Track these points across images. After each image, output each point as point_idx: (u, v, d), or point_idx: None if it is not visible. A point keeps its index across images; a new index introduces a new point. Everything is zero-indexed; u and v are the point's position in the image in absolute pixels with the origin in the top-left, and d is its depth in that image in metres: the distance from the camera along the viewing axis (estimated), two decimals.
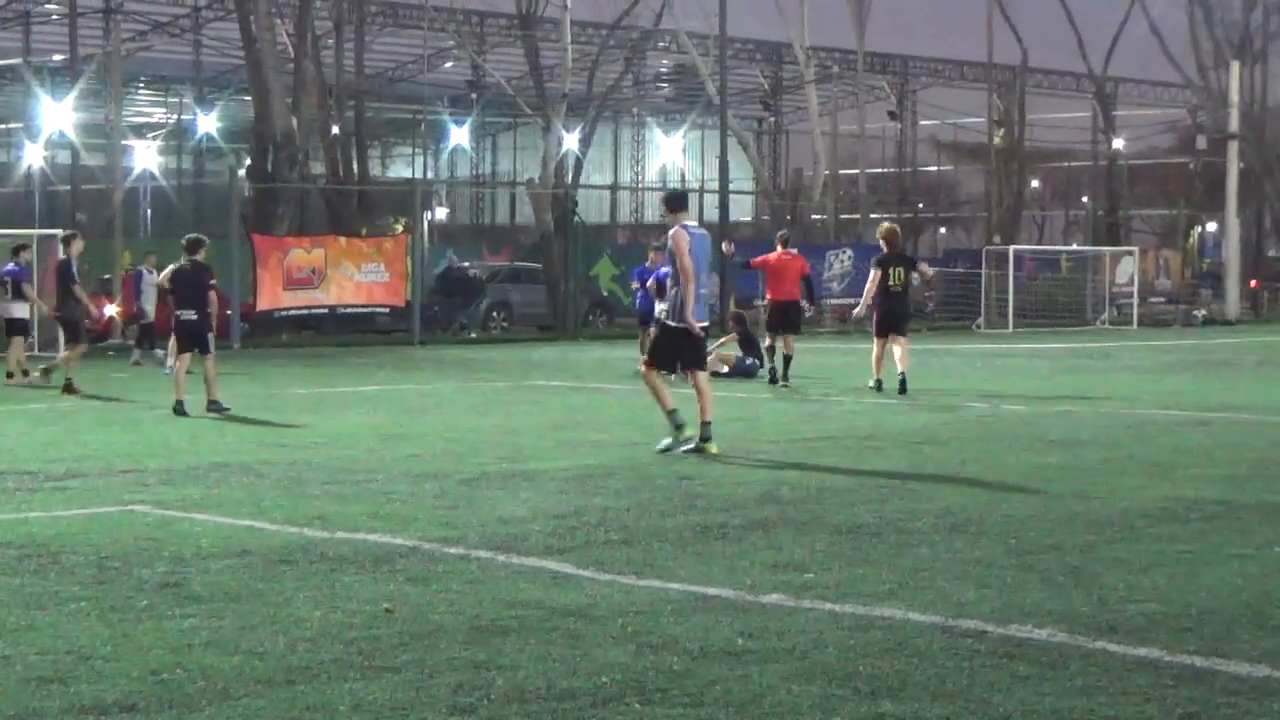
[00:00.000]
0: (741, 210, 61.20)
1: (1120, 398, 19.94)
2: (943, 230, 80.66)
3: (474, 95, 57.41)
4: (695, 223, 14.51)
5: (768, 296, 23.12)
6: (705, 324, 14.12)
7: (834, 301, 44.20)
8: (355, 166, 45.23)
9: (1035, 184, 77.28)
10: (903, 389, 20.09)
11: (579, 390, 21.81)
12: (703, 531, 9.50)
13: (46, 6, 50.55)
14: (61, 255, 22.38)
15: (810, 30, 53.28)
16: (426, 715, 5.65)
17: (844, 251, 47.69)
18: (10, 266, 24.23)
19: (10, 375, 22.66)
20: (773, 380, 21.92)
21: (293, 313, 35.52)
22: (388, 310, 36.84)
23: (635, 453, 13.55)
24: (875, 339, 21.01)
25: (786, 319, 22.23)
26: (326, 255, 35.29)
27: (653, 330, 15.65)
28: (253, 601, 7.51)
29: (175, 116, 59.19)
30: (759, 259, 23.39)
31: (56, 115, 43.77)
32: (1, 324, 24.27)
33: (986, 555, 8.69)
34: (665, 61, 63.57)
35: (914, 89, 67.23)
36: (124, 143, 42.39)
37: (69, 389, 20.67)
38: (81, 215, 39.24)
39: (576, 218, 41.70)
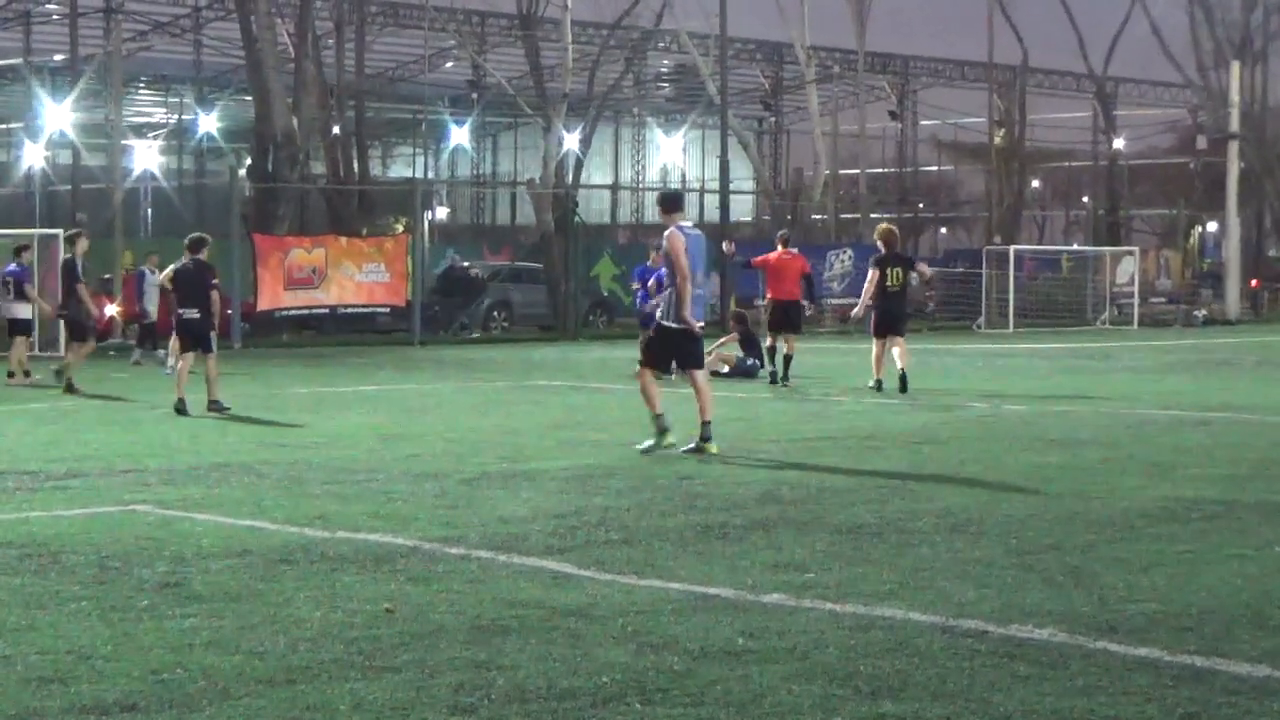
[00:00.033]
0: (742, 210, 61.20)
1: (1121, 398, 19.94)
2: (943, 230, 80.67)
3: (475, 95, 57.40)
4: (690, 223, 14.52)
5: (768, 296, 23.13)
6: (703, 324, 14.12)
7: (834, 301, 44.19)
8: (356, 166, 45.24)
9: (1036, 184, 77.29)
10: (903, 387, 20.13)
11: (579, 390, 21.81)
12: (703, 531, 9.50)
13: (47, 6, 50.56)
14: (66, 254, 22.35)
15: (811, 30, 53.31)
16: (427, 715, 5.65)
17: (844, 251, 47.70)
18: (12, 267, 24.24)
19: (11, 375, 22.67)
20: (773, 380, 21.93)
21: (293, 313, 35.53)
22: (388, 310, 36.85)
23: (636, 453, 13.54)
24: (874, 340, 21.03)
25: (787, 319, 22.25)
26: (327, 255, 35.29)
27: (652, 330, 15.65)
28: (253, 601, 7.51)
29: (176, 116, 59.19)
30: (759, 259, 23.41)
31: (57, 115, 43.79)
32: (4, 324, 24.28)
33: (987, 555, 8.69)
34: (666, 61, 63.58)
35: (914, 89, 67.23)
36: (124, 143, 42.42)
37: (70, 389, 20.68)
38: (82, 215, 39.20)
39: (577, 218, 41.70)
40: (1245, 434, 15.32)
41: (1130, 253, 53.53)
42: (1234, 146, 53.44)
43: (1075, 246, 62.03)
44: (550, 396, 20.70)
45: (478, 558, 8.65)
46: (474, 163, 67.70)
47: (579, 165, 45.73)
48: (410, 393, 21.15)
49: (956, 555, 8.69)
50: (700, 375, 14.06)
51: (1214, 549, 8.88)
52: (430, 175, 66.05)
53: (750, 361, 23.70)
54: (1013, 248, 48.83)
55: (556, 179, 42.89)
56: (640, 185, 65.96)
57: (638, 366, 14.10)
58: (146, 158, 55.03)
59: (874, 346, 20.96)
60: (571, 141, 44.99)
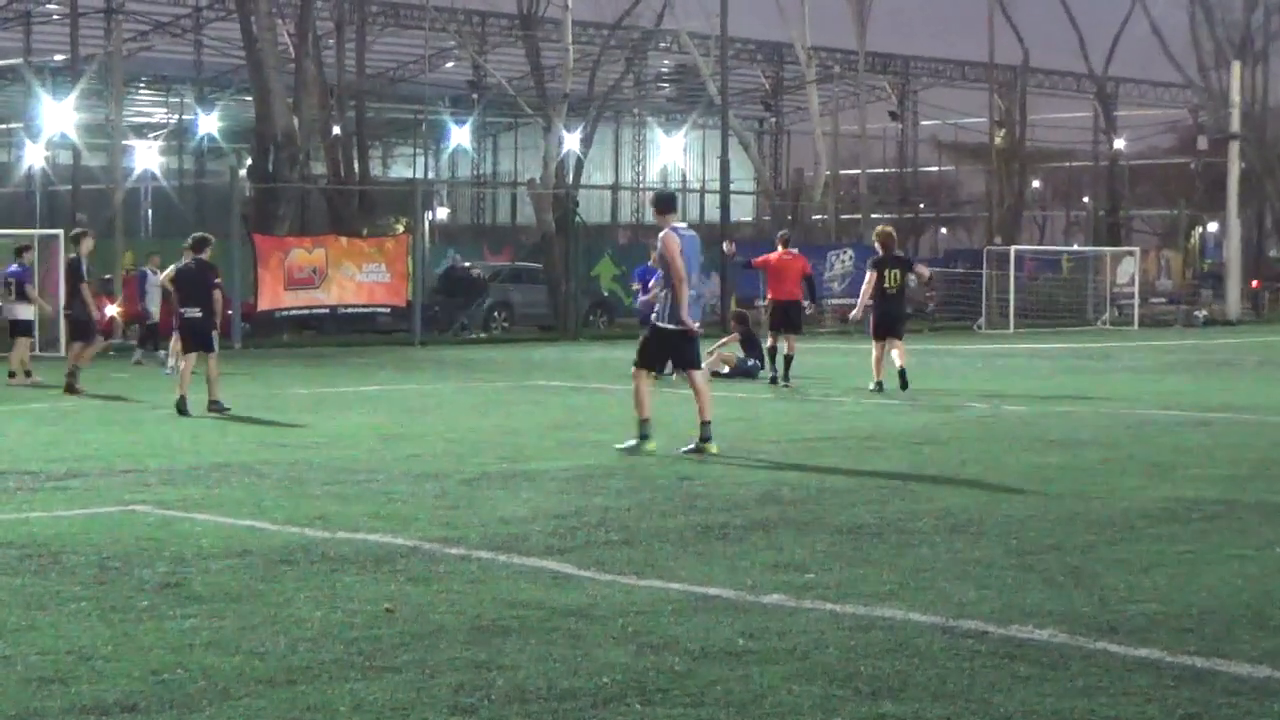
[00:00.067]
0: (742, 210, 61.20)
1: (1121, 398, 19.94)
2: (944, 230, 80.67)
3: (475, 95, 57.41)
4: (685, 224, 14.52)
5: (769, 296, 23.14)
6: (699, 324, 14.11)
7: (835, 301, 44.20)
8: (356, 166, 45.24)
9: (1036, 184, 77.27)
10: (904, 384, 20.22)
11: (580, 390, 21.82)
12: (703, 532, 9.50)
13: (48, 6, 50.56)
14: (71, 254, 22.33)
15: (811, 30, 53.29)
16: (427, 715, 5.65)
17: (845, 251, 47.69)
18: (13, 268, 24.23)
19: (12, 375, 22.67)
20: (773, 381, 21.94)
21: (294, 313, 35.54)
22: (389, 310, 36.86)
23: (636, 454, 13.53)
24: (873, 342, 21.07)
25: (788, 319, 22.26)
26: (327, 255, 35.30)
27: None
28: (253, 602, 7.51)
29: (176, 116, 59.19)
30: (760, 259, 23.42)
31: (57, 115, 43.77)
32: (5, 325, 24.27)
33: (987, 556, 8.69)
34: (666, 62, 63.58)
35: (915, 89, 67.23)
36: (125, 143, 42.41)
37: (70, 389, 20.67)
38: (82, 215, 39.20)
39: (577, 218, 41.71)
40: (1246, 434, 15.32)
41: (1131, 253, 53.52)
42: (1234, 147, 53.44)
43: (1076, 247, 62.02)
44: (550, 397, 20.70)
45: (478, 558, 8.65)
46: (474, 163, 67.70)
47: (579, 165, 45.73)
48: (411, 393, 21.15)
49: (957, 556, 8.69)
50: (698, 376, 14.06)
51: (1214, 549, 8.87)
52: (431, 175, 66.06)
53: (751, 362, 23.70)
54: (1013, 248, 48.84)
55: (557, 179, 42.89)
56: (641, 185, 65.96)
57: (633, 368, 14.08)
58: (147, 158, 55.03)
59: (873, 349, 20.99)
60: (572, 142, 44.99)
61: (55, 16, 50.32)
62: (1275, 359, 29.99)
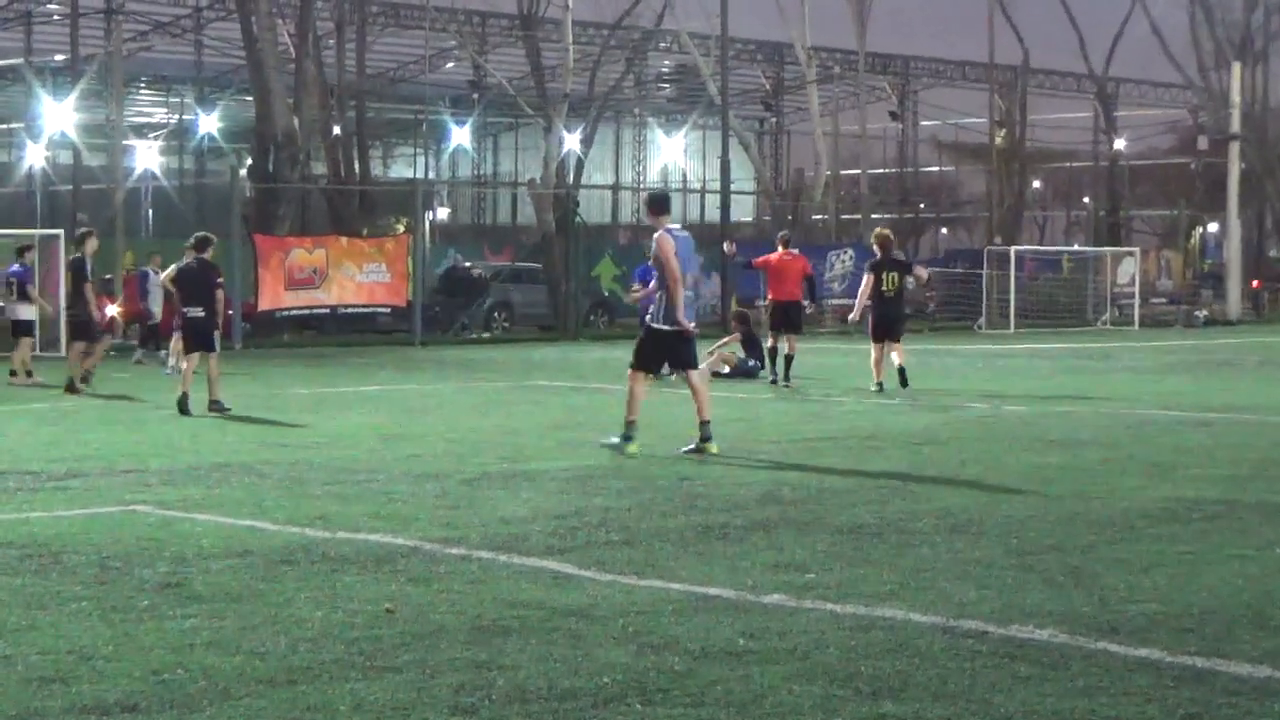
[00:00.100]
0: (743, 210, 61.20)
1: (1121, 398, 19.94)
2: (944, 230, 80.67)
3: (475, 95, 57.41)
4: (679, 225, 14.52)
5: (769, 297, 23.15)
6: (694, 324, 14.11)
7: (835, 302, 44.20)
8: (357, 166, 45.24)
9: (1036, 184, 77.27)
10: (904, 382, 20.30)
11: (580, 390, 21.82)
12: (704, 532, 9.50)
13: (48, 6, 50.56)
14: (75, 254, 22.33)
15: (811, 30, 53.29)
16: (428, 715, 5.65)
17: (845, 252, 47.68)
18: (15, 268, 24.23)
19: (14, 374, 22.68)
20: (773, 382, 21.95)
21: (294, 313, 35.53)
22: (389, 310, 36.86)
23: (637, 454, 13.53)
24: (872, 344, 21.10)
25: (788, 319, 22.28)
26: (328, 255, 35.30)
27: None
28: (254, 602, 7.51)
29: (176, 116, 59.18)
30: (760, 259, 23.43)
31: (58, 115, 43.79)
32: (7, 324, 24.27)
33: (987, 556, 8.69)
34: (667, 62, 63.57)
35: (915, 89, 67.21)
36: (125, 143, 42.43)
37: (71, 388, 20.67)
38: (83, 215, 39.24)
39: (578, 218, 41.71)
40: (1246, 434, 15.32)
41: (1131, 253, 53.51)
42: (1235, 147, 53.43)
43: (1076, 247, 62.02)
44: (551, 397, 20.70)
45: (478, 558, 8.65)
46: (475, 163, 67.71)
47: (580, 166, 45.73)
48: (411, 393, 21.16)
49: (957, 556, 8.69)
50: (695, 375, 14.07)
51: (1215, 549, 8.88)
52: (431, 175, 66.06)
53: (751, 363, 23.70)
54: (1013, 248, 48.84)
55: (557, 179, 42.89)
56: (641, 186, 65.92)
57: (629, 369, 14.08)
58: (147, 158, 55.05)
59: (872, 351, 21.03)
60: (572, 142, 44.99)
61: (55, 16, 50.33)
62: (1276, 359, 29.99)
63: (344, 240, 36.73)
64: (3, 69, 52.03)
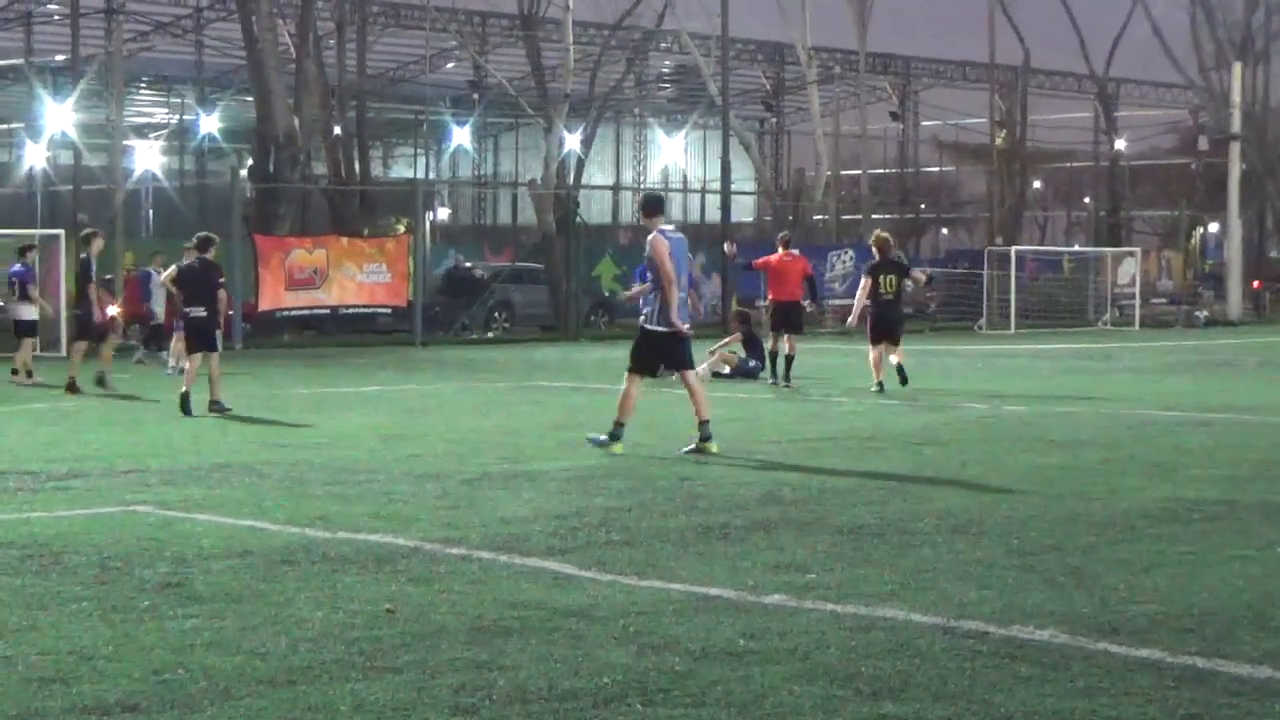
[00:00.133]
0: (743, 211, 61.18)
1: (1121, 398, 19.94)
2: (945, 231, 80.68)
3: (476, 95, 57.38)
4: (672, 226, 14.53)
5: (770, 297, 23.16)
6: (689, 325, 14.12)
7: (836, 302, 44.21)
8: (357, 167, 45.22)
9: (1037, 185, 77.25)
10: (903, 380, 20.35)
11: (580, 391, 21.81)
12: (704, 532, 9.50)
13: (48, 7, 50.53)
14: (82, 254, 22.32)
15: (812, 31, 53.26)
16: (428, 716, 5.66)
17: (846, 252, 47.70)
18: (17, 268, 24.22)
19: (15, 372, 22.69)
20: (774, 382, 21.96)
21: (295, 313, 35.54)
22: (389, 310, 36.87)
23: (637, 453, 13.55)
24: (871, 346, 21.13)
25: (788, 319, 22.29)
26: (328, 255, 35.31)
27: None
28: (254, 602, 7.51)
29: (177, 117, 59.16)
30: (761, 260, 23.45)
31: (58, 115, 43.73)
32: (8, 325, 24.27)
33: (988, 556, 8.69)
34: (667, 62, 63.53)
35: (916, 89, 67.17)
36: (126, 143, 42.40)
37: (71, 388, 20.68)
38: (83, 216, 39.18)
39: (578, 218, 41.71)
40: (1246, 435, 15.32)
41: (1132, 254, 53.50)
42: (1235, 147, 53.42)
43: (1077, 247, 62.03)
44: (551, 397, 20.70)
45: (479, 558, 8.65)
46: (475, 163, 67.70)
47: (580, 166, 45.72)
48: (411, 393, 21.16)
49: (958, 556, 8.69)
50: (691, 376, 14.09)
51: (1215, 550, 8.87)
52: (431, 176, 66.03)
53: (752, 363, 23.70)
54: (1014, 248, 48.84)
55: (558, 179, 42.89)
56: (641, 186, 65.91)
57: (627, 372, 14.09)
58: (148, 158, 55.00)
59: (871, 352, 21.06)
60: (573, 142, 44.99)
61: (56, 17, 50.28)
62: (1276, 359, 29.99)
63: (344, 240, 36.74)
64: (3, 69, 52.01)
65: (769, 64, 63.21)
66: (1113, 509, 10.36)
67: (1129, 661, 6.39)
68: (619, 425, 13.66)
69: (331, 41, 46.87)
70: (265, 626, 6.98)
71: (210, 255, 18.37)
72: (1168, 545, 9.02)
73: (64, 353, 24.97)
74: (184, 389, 17.60)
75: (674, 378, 15.45)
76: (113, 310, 23.01)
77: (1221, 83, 58.20)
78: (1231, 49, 58.31)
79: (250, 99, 42.35)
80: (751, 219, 64.42)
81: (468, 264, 44.39)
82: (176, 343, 22.77)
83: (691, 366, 14.25)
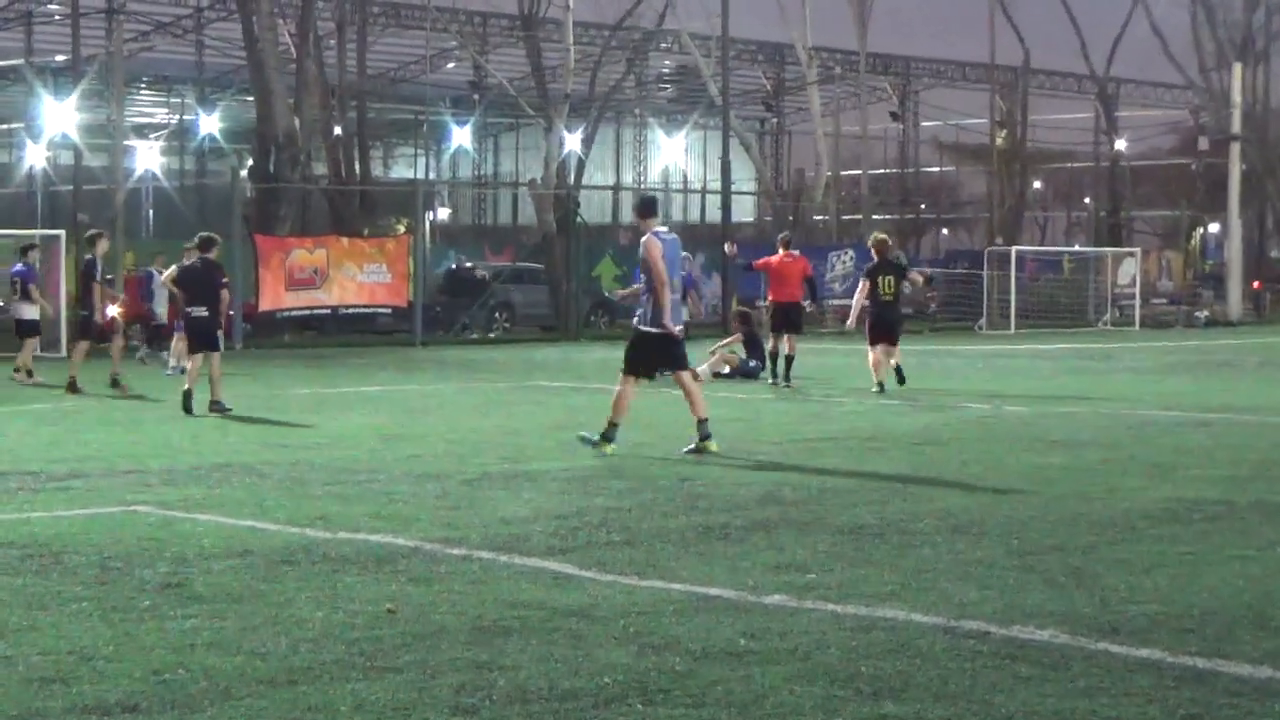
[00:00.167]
0: (743, 211, 61.18)
1: (1122, 399, 19.94)
2: (945, 231, 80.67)
3: (476, 96, 57.40)
4: (666, 228, 14.54)
5: (770, 298, 23.17)
6: (682, 327, 14.12)
7: (836, 302, 44.21)
8: (357, 167, 45.23)
9: (1037, 185, 77.23)
10: (901, 379, 20.38)
11: (581, 391, 21.81)
12: (705, 532, 9.50)
13: (49, 7, 50.54)
14: (87, 254, 22.30)
15: (812, 31, 53.27)
16: (429, 716, 5.65)
17: (846, 252, 47.69)
18: (18, 267, 24.21)
19: (17, 371, 22.69)
20: (774, 382, 21.97)
21: (295, 313, 35.54)
22: (390, 311, 36.87)
23: (637, 453, 13.55)
24: (870, 347, 21.15)
25: (788, 320, 22.30)
26: (328, 256, 35.31)
27: None
28: (255, 602, 7.51)
29: (177, 117, 59.19)
30: (761, 261, 23.46)
31: (58, 115, 43.72)
32: (12, 325, 24.26)
33: (988, 556, 8.69)
34: (667, 62, 63.54)
35: (916, 90, 67.18)
36: (126, 143, 42.40)
37: (72, 388, 20.67)
38: (84, 216, 39.19)
39: (578, 218, 41.71)
40: (1246, 435, 15.32)
41: (1132, 254, 53.50)
42: (1236, 147, 53.42)
43: (1077, 248, 62.01)
44: (552, 397, 20.70)
45: (479, 558, 8.65)
46: (475, 163, 67.71)
47: (580, 166, 45.71)
48: (412, 393, 21.16)
49: (958, 556, 8.69)
50: (686, 376, 14.09)
51: (1215, 550, 8.87)
52: (432, 176, 66.06)
53: (753, 363, 23.71)
54: (1014, 249, 48.86)
55: (558, 179, 42.89)
56: (642, 186, 65.92)
57: (621, 374, 14.09)
58: (148, 158, 55.03)
59: (870, 354, 21.08)
60: (573, 142, 44.98)
61: (56, 17, 50.28)
62: (1276, 360, 29.99)
63: (345, 240, 36.74)
64: (3, 69, 52.01)
65: (769, 64, 63.23)
66: (1113, 509, 10.36)
67: (1129, 661, 6.39)
68: (612, 425, 13.67)
69: (332, 41, 46.87)
70: (265, 626, 6.98)
71: (213, 255, 18.39)
72: (1168, 545, 9.02)
73: (64, 353, 24.95)
74: (186, 387, 17.61)
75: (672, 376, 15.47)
76: (113, 310, 23.01)
77: (1222, 83, 58.21)
78: (1232, 49, 58.32)
79: (250, 99, 42.37)
80: (752, 219, 64.43)
81: (469, 264, 44.40)
82: (177, 343, 22.78)
83: (686, 366, 14.25)
